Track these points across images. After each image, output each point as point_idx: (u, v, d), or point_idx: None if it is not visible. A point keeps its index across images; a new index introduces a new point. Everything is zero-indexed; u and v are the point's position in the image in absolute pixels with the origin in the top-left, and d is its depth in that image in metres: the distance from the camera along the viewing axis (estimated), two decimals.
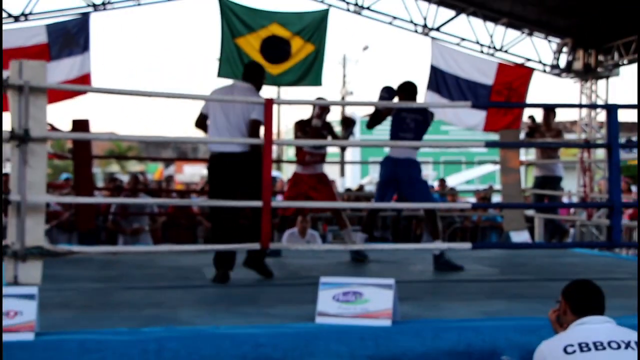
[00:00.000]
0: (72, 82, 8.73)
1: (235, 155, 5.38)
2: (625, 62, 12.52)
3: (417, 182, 6.21)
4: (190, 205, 10.64)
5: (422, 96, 7.88)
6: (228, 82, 6.57)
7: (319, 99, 6.84)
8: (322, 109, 6.80)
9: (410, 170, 6.18)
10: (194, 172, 33.33)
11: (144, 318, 3.96)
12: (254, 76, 5.71)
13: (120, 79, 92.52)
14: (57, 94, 8.28)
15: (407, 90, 6.32)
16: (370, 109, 6.54)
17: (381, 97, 6.16)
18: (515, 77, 10.68)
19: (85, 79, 8.99)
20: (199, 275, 5.86)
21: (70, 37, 8.97)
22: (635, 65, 12.16)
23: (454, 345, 3.62)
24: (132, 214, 9.26)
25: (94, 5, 10.98)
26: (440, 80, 10.44)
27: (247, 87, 5.61)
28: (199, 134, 5.88)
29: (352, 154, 28.81)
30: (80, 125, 7.19)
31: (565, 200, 11.19)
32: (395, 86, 6.31)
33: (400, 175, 6.15)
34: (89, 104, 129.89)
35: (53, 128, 6.77)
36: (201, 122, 5.66)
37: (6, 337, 3.23)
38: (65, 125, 7.52)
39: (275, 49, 9.03)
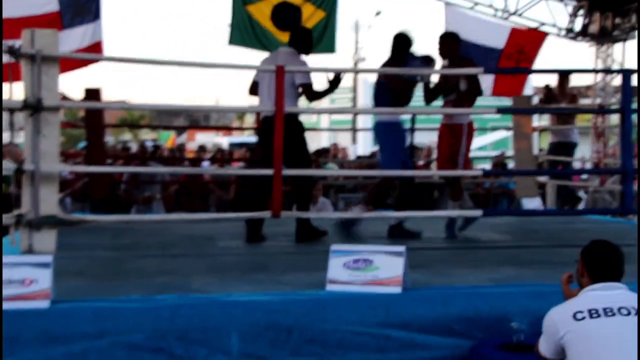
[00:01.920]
0: (84, 51, 8.69)
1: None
2: None
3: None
4: (201, 173, 10.68)
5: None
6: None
7: (426, 57, 6.32)
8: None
9: None
10: (206, 140, 33.29)
11: (157, 286, 4.01)
12: (297, 40, 5.94)
13: (131, 44, 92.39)
14: (70, 63, 8.24)
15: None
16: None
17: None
18: (528, 41, 10.58)
19: (96, 47, 8.95)
20: (211, 243, 5.91)
21: (81, 5, 8.92)
22: None
23: (463, 312, 3.65)
24: (143, 182, 9.30)
25: None
26: None
27: (289, 52, 5.85)
28: (252, 100, 6.15)
29: (363, 120, 28.69)
30: (92, 94, 7.22)
31: (578, 166, 11.12)
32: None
33: None
34: (101, 72, 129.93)
35: (65, 97, 6.79)
36: (254, 89, 5.96)
37: (22, 304, 3.30)
38: (78, 94, 7.56)
39: (286, 15, 8.97)
